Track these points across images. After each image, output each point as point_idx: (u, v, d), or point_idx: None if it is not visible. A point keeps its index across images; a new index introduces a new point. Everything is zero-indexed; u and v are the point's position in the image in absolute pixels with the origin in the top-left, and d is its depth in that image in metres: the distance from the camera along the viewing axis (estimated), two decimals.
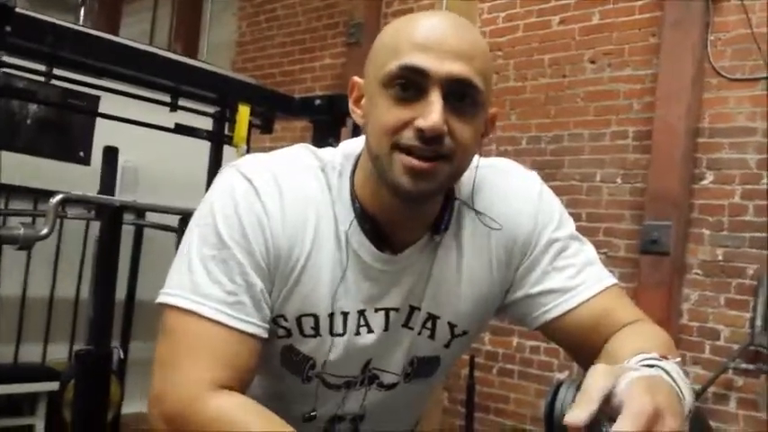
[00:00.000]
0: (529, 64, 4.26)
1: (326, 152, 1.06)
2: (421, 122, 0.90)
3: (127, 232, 3.42)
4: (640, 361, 0.83)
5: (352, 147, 1.06)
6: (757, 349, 3.31)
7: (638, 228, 3.69)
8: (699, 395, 3.24)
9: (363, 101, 1.00)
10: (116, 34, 6.38)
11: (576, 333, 1.06)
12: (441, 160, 0.92)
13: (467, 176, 1.04)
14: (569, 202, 3.92)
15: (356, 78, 1.03)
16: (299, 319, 1.02)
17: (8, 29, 2.61)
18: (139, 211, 3.64)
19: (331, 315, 1.03)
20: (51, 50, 2.93)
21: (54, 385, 3.21)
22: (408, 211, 0.99)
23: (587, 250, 1.11)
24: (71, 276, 3.72)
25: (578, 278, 1.07)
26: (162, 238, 3.53)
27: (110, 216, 2.75)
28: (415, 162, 0.91)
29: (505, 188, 1.08)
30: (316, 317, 1.02)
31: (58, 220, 3.13)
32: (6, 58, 2.91)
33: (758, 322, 3.29)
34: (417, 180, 0.92)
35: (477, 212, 1.06)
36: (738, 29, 3.52)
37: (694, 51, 3.57)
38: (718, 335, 3.45)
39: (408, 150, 0.91)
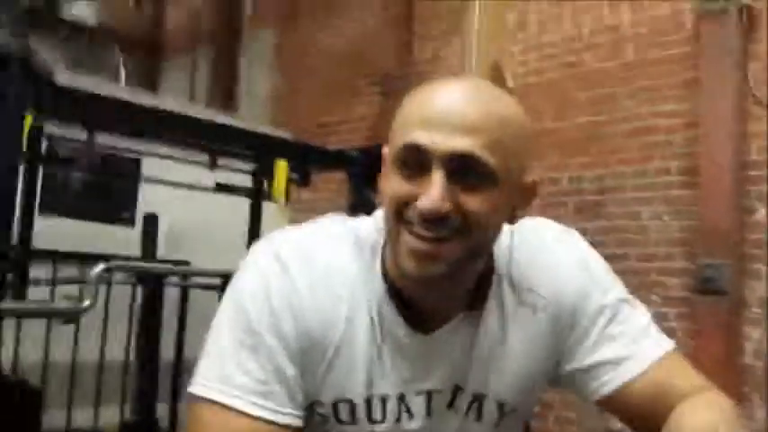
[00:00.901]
0: (565, 103, 4.22)
1: (361, 223, 1.02)
2: (420, 203, 0.86)
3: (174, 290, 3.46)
4: None
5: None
6: None
7: (690, 266, 3.58)
8: None
9: None
10: (155, 92, 6.57)
11: (635, 406, 1.00)
12: (450, 241, 0.88)
13: (504, 247, 1.00)
14: (616, 241, 3.83)
15: (386, 149, 0.99)
16: (335, 405, 0.98)
17: (48, 100, 2.67)
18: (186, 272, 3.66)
19: (368, 400, 0.98)
20: (90, 117, 3.01)
21: None
22: (428, 291, 0.94)
23: (640, 314, 1.04)
24: (120, 337, 3.74)
25: (633, 346, 1.00)
26: (207, 296, 3.54)
27: (151, 282, 2.77)
28: (417, 244, 0.88)
29: (545, 256, 1.03)
30: (352, 403, 0.98)
31: (104, 286, 3.18)
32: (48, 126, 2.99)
33: None
34: (422, 263, 0.88)
35: (516, 288, 1.01)
36: None
37: (734, 81, 3.49)
38: None
39: (412, 231, 0.88)
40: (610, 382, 1.00)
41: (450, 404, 1.02)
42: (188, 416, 0.95)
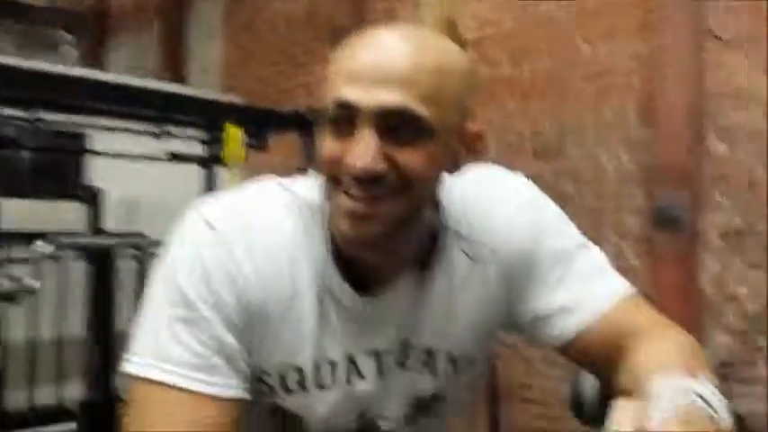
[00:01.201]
0: (522, 50, 4.16)
1: (302, 185, 0.95)
2: (350, 161, 0.81)
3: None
4: (670, 385, 0.73)
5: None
6: None
7: (649, 204, 3.58)
8: (730, 365, 3.14)
9: None
10: (102, 69, 6.40)
11: (595, 350, 0.95)
12: (386, 199, 0.82)
13: (454, 198, 0.95)
14: (574, 183, 3.82)
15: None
16: (282, 374, 0.92)
17: None
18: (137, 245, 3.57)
19: (317, 366, 0.93)
20: (31, 95, 2.91)
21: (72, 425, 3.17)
22: (368, 252, 0.88)
23: (595, 257, 1.00)
24: (79, 314, 3.67)
25: (588, 290, 0.96)
26: None
27: (99, 257, 2.69)
28: (351, 205, 0.83)
29: (496, 205, 0.98)
30: (300, 369, 0.92)
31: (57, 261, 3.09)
32: None
33: None
34: (357, 224, 0.83)
35: (466, 241, 0.96)
36: None
37: (691, 18, 3.46)
38: (740, 299, 3.33)
39: (345, 191, 0.83)
40: (567, 329, 0.96)
41: (401, 362, 0.97)
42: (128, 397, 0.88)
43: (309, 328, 0.91)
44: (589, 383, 1.05)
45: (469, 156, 0.90)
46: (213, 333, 0.85)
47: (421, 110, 0.80)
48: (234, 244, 0.87)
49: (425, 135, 0.82)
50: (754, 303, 3.31)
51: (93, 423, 2.65)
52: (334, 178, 0.84)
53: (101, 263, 2.72)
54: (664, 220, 3.45)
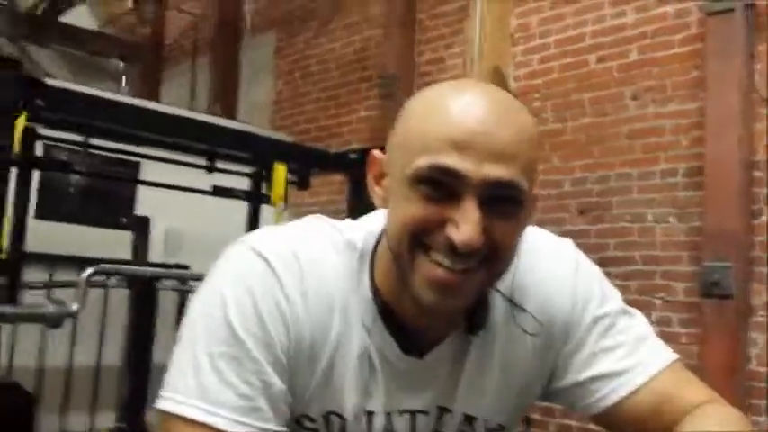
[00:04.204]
0: (567, 105, 4.17)
1: (346, 226, 0.93)
2: (454, 234, 0.78)
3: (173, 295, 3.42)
4: None
5: (374, 224, 0.92)
6: None
7: (696, 269, 3.52)
8: None
9: (386, 181, 0.86)
10: (157, 100, 6.56)
11: (635, 421, 0.93)
12: (476, 271, 0.80)
13: None
14: (621, 245, 3.77)
15: (377, 153, 0.90)
16: (326, 418, 0.90)
17: (40, 102, 2.63)
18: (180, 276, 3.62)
19: (358, 417, 0.91)
20: (85, 121, 2.98)
21: None
22: (434, 319, 0.87)
23: (638, 324, 0.98)
24: (118, 342, 3.70)
25: (632, 358, 0.94)
26: None
27: (142, 286, 2.72)
28: (442, 275, 0.79)
29: (538, 269, 0.96)
30: (342, 417, 0.90)
31: (102, 290, 3.15)
32: (45, 131, 2.96)
33: None
34: (443, 295, 0.80)
35: (509, 308, 0.94)
36: None
37: (740, 81, 3.44)
38: None
39: (436, 260, 0.80)
40: (607, 397, 0.93)
41: (436, 427, 0.95)
42: None
43: (354, 379, 0.88)
44: None
45: (531, 219, 0.90)
46: (260, 373, 0.82)
47: (523, 183, 0.79)
48: (286, 278, 0.84)
49: (519, 207, 0.81)
50: None
51: None
52: (418, 243, 0.80)
53: (143, 292, 2.76)
54: (710, 289, 3.37)
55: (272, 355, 0.83)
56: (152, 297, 2.83)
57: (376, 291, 0.88)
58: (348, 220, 0.96)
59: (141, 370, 2.66)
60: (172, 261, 3.60)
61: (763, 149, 3.42)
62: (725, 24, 3.50)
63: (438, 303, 0.81)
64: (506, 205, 0.80)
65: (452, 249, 0.78)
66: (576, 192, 4.04)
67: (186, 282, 3.65)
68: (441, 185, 0.78)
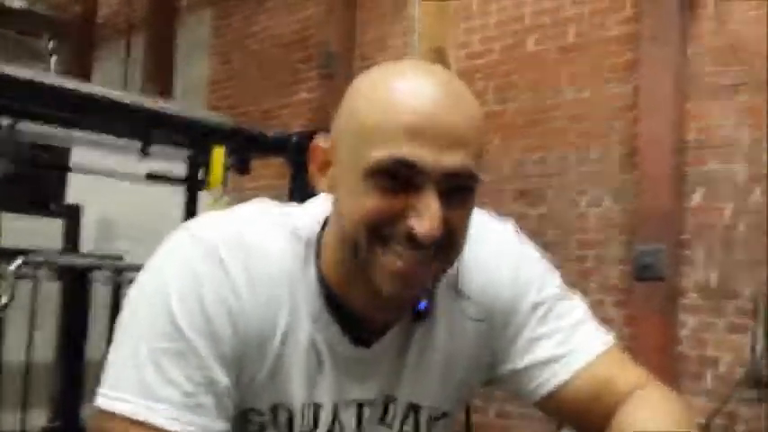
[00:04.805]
0: (508, 86, 4.19)
1: (299, 215, 0.90)
2: (416, 225, 0.77)
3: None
4: None
5: (318, 210, 0.90)
6: (759, 376, 3.17)
7: (628, 253, 3.59)
8: (705, 429, 3.12)
9: (332, 171, 0.84)
10: (89, 80, 6.34)
11: (575, 405, 0.94)
12: (433, 260, 0.80)
13: None
14: (556, 228, 3.83)
15: (320, 142, 0.87)
16: (274, 411, 0.88)
17: None
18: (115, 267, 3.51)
19: (304, 409, 0.89)
20: (11, 103, 2.85)
21: None
22: (386, 310, 0.86)
23: (576, 308, 0.98)
24: (49, 337, 3.58)
25: (569, 344, 0.94)
26: None
27: (74, 278, 2.63)
28: (402, 266, 0.79)
29: (481, 254, 0.95)
30: (290, 410, 0.88)
31: (30, 282, 3.03)
32: None
33: (758, 346, 3.17)
34: (403, 286, 0.80)
35: (451, 294, 0.94)
36: (717, 38, 3.46)
37: (674, 63, 3.51)
38: (718, 362, 3.33)
39: (396, 251, 0.79)
40: (546, 383, 0.94)
41: (383, 418, 0.94)
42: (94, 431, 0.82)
43: (303, 369, 0.87)
44: None
45: None
46: (204, 369, 0.79)
47: (476, 169, 0.79)
48: (232, 269, 0.81)
49: (472, 193, 0.81)
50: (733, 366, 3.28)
51: None
52: (376, 235, 0.79)
53: (76, 284, 2.66)
54: (642, 271, 3.44)
55: (217, 350, 0.80)
56: (85, 289, 2.73)
57: (322, 280, 0.86)
58: (293, 205, 0.93)
59: (75, 366, 2.58)
60: (104, 251, 3.49)
61: (695, 131, 3.50)
62: (659, 6, 3.56)
63: (398, 294, 0.80)
64: (462, 193, 0.80)
65: (412, 240, 0.77)
66: (515, 174, 4.08)
67: (121, 273, 3.54)
68: (398, 177, 0.77)
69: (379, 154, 0.77)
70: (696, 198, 3.47)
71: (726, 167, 3.40)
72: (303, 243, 0.87)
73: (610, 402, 0.92)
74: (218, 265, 0.81)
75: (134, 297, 0.83)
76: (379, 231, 0.79)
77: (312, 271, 0.87)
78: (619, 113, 3.76)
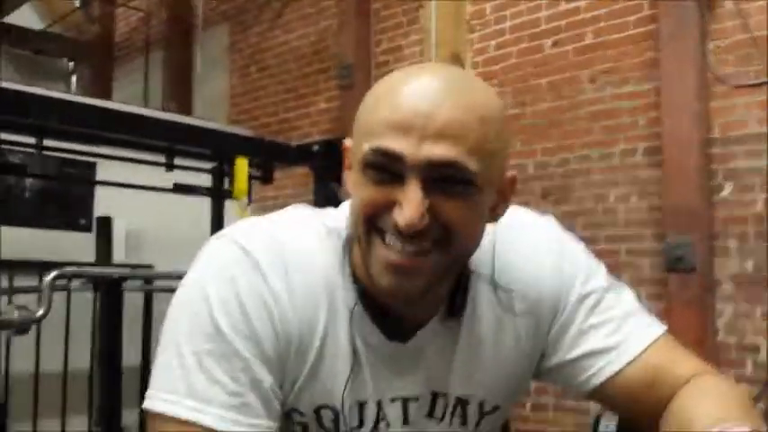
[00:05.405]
0: (526, 90, 4.20)
1: (328, 214, 0.92)
2: (398, 216, 0.77)
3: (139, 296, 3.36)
4: None
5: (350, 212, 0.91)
6: None
7: (659, 246, 3.59)
8: None
9: (350, 170, 0.87)
10: (109, 98, 6.41)
11: (629, 396, 0.94)
12: (430, 253, 0.80)
13: (484, 244, 0.90)
14: (585, 225, 3.83)
15: (347, 142, 0.89)
16: (317, 412, 0.89)
17: None
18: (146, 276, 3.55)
19: (350, 408, 0.90)
20: (38, 122, 2.90)
21: None
22: (404, 303, 0.86)
23: (626, 298, 0.98)
24: (85, 345, 3.62)
25: (620, 334, 0.94)
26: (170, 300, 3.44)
27: (108, 288, 2.66)
28: (394, 258, 0.79)
29: (521, 248, 0.96)
30: (334, 410, 0.89)
31: (65, 293, 3.07)
32: None
33: None
34: (399, 278, 0.80)
35: (495, 289, 0.94)
36: (737, 34, 3.46)
37: (694, 61, 3.51)
38: (758, 349, 3.32)
39: (389, 243, 0.80)
40: (598, 374, 0.94)
41: (431, 412, 0.95)
42: None
43: (344, 368, 0.87)
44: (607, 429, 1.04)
45: (505, 203, 0.89)
46: (248, 369, 0.81)
47: (469, 163, 0.77)
48: (270, 272, 0.83)
49: (471, 188, 0.79)
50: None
51: None
52: (372, 226, 0.80)
53: (110, 294, 2.69)
54: (674, 263, 3.45)
55: (259, 351, 0.82)
56: (119, 298, 2.77)
57: (356, 278, 0.87)
58: (329, 209, 0.95)
59: (113, 372, 2.61)
60: (134, 261, 3.52)
61: (718, 127, 3.49)
62: (677, 4, 3.56)
63: (394, 286, 0.80)
64: (454, 185, 0.78)
65: (400, 232, 0.78)
66: (539, 175, 4.08)
67: (152, 282, 3.58)
68: (385, 169, 0.78)
69: (366, 146, 0.79)
70: (724, 192, 3.47)
71: (753, 162, 3.40)
72: (338, 242, 0.89)
73: (665, 390, 0.92)
74: (256, 270, 0.83)
75: (176, 303, 0.85)
76: (374, 223, 0.80)
77: (347, 269, 0.88)
78: (641, 111, 3.76)
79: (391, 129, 0.77)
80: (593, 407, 3.56)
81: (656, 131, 3.66)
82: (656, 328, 0.97)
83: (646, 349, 0.94)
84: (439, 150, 0.76)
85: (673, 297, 3.46)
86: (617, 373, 0.93)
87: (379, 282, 0.81)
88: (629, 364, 0.93)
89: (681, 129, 3.50)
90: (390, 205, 0.78)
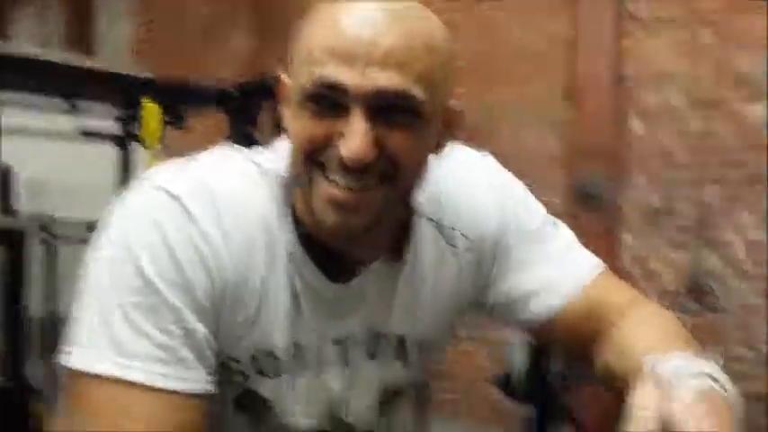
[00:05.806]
0: (449, 29, 4.16)
1: (266, 157, 0.87)
2: (341, 150, 0.74)
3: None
4: (679, 366, 0.73)
5: (286, 147, 0.85)
6: (702, 288, 3.34)
7: (572, 182, 3.69)
8: None
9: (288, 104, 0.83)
10: (5, 41, 6.02)
11: (571, 331, 0.96)
12: (375, 188, 0.77)
13: (426, 182, 0.88)
14: (501, 164, 3.87)
15: (284, 75, 0.83)
16: (255, 358, 0.85)
17: None
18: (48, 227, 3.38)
19: (289, 351, 0.86)
20: None
21: None
22: (347, 242, 0.82)
23: (563, 235, 1.00)
24: None
25: (561, 268, 0.96)
26: (77, 251, 3.32)
27: (10, 239, 2.53)
28: (339, 195, 0.76)
29: (464, 187, 0.95)
30: (274, 354, 0.85)
31: None
32: None
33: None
34: (343, 215, 0.76)
35: (438, 227, 0.93)
36: None
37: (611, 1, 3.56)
38: (661, 278, 3.48)
39: (332, 179, 0.76)
40: (541, 310, 0.95)
41: (372, 353, 0.93)
42: (68, 394, 0.77)
43: (283, 312, 0.84)
44: (518, 359, 1.08)
45: (449, 136, 0.86)
46: (181, 321, 0.76)
47: (417, 92, 0.74)
48: (201, 216, 0.78)
49: (418, 118, 0.76)
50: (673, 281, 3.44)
51: (2, 411, 2.52)
52: (313, 162, 0.77)
53: (13, 245, 2.56)
54: (584, 199, 3.58)
55: (191, 299, 0.77)
56: (22, 250, 2.63)
57: (296, 220, 0.83)
58: (259, 148, 0.89)
59: (17, 326, 2.49)
60: (36, 212, 3.35)
61: (633, 65, 3.57)
62: None
63: (339, 224, 0.77)
64: (400, 116, 0.75)
65: (345, 166, 0.74)
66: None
67: (55, 232, 3.42)
68: (327, 100, 0.74)
69: (305, 77, 0.75)
70: (634, 129, 3.57)
71: (663, 99, 3.49)
72: (274, 183, 0.84)
73: (605, 323, 0.94)
74: (185, 212, 0.77)
75: (95, 257, 0.79)
76: (314, 158, 0.77)
77: (286, 211, 0.84)
78: (557, 51, 3.79)
79: (333, 57, 0.73)
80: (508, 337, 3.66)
81: (571, 70, 3.70)
82: (594, 262, 0.99)
83: (588, 284, 0.96)
84: (384, 78, 0.73)
85: (583, 231, 3.57)
86: (559, 309, 0.94)
87: (323, 220, 0.77)
88: (571, 298, 0.94)
89: (594, 66, 3.57)
90: (333, 139, 0.75)
